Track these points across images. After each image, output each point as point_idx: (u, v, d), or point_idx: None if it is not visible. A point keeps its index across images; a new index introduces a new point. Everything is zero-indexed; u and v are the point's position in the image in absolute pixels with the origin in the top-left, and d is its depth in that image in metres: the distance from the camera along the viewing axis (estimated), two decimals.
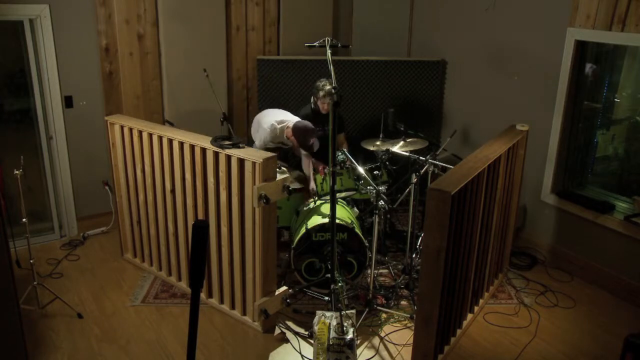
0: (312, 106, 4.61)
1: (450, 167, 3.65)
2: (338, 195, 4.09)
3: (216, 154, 3.44)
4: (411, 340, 3.19)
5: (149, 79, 4.85)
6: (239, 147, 3.35)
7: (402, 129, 4.49)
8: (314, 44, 3.30)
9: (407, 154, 4.15)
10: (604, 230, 4.06)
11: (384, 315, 3.71)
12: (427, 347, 3.00)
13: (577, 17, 4.01)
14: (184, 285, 4.02)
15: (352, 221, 3.94)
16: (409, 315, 3.67)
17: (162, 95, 4.96)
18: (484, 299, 3.87)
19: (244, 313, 3.66)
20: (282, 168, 3.55)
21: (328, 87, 4.32)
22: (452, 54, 5.31)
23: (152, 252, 4.20)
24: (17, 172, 3.41)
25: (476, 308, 3.74)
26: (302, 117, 4.58)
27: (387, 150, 4.20)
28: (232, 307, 3.72)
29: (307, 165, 4.46)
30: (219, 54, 5.13)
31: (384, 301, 3.81)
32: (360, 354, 3.33)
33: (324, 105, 4.43)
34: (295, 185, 4.40)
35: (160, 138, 3.76)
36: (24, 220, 3.53)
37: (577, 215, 4.22)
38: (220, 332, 3.56)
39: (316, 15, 5.50)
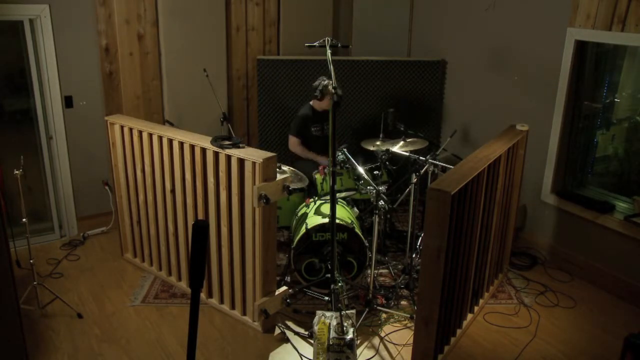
0: (311, 106, 4.64)
1: (450, 167, 3.65)
2: (338, 195, 4.09)
3: (216, 154, 3.44)
4: (411, 340, 3.19)
5: (149, 79, 4.85)
6: (239, 147, 3.35)
7: (402, 129, 4.49)
8: (314, 44, 3.30)
9: (407, 154, 4.15)
10: (604, 230, 4.06)
11: (384, 315, 3.71)
12: (427, 347, 3.00)
13: (577, 17, 4.01)
14: (184, 285, 4.02)
15: (352, 221, 3.94)
16: (409, 315, 3.67)
17: (162, 95, 4.96)
18: (484, 299, 3.87)
19: (244, 313, 3.66)
20: (282, 168, 3.55)
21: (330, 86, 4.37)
22: (452, 54, 5.31)
23: (152, 252, 4.20)
24: (17, 172, 3.41)
25: (476, 308, 3.73)
26: (302, 117, 4.61)
27: (387, 150, 4.20)
28: (232, 307, 3.72)
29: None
30: (219, 54, 5.13)
31: (384, 301, 3.81)
32: (360, 354, 3.33)
33: (327, 102, 4.46)
34: (296, 185, 4.40)
35: (160, 138, 3.76)
36: (24, 220, 3.53)
37: (577, 215, 4.22)
38: (220, 332, 3.56)
39: (316, 15, 5.50)
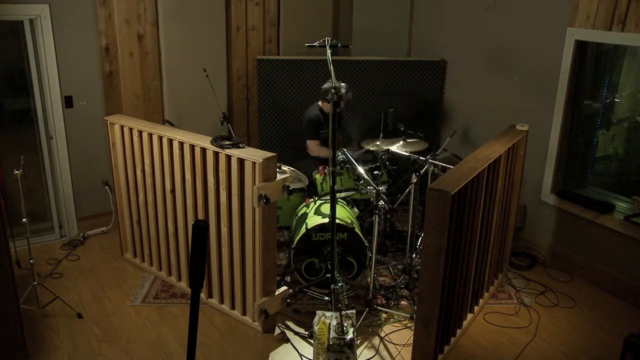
0: (320, 106, 4.61)
1: (450, 167, 3.65)
2: (338, 195, 4.09)
3: (216, 154, 3.44)
4: (411, 340, 3.19)
5: (149, 79, 4.85)
6: (238, 147, 3.35)
7: (402, 129, 4.49)
8: (314, 44, 3.30)
9: (407, 154, 4.15)
10: (604, 230, 4.06)
11: (384, 315, 3.71)
12: (427, 347, 3.00)
13: (577, 17, 4.01)
14: (184, 285, 4.02)
15: (352, 221, 3.94)
16: (409, 315, 3.67)
17: (162, 95, 4.96)
18: (484, 299, 3.87)
19: (244, 313, 3.66)
20: (282, 168, 3.55)
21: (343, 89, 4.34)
22: (452, 54, 5.31)
23: (152, 252, 4.20)
24: (17, 172, 3.41)
25: (476, 308, 3.73)
26: (316, 120, 4.56)
27: (387, 150, 4.20)
28: (232, 307, 3.72)
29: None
30: (219, 54, 5.13)
31: (384, 301, 3.81)
32: (360, 354, 3.33)
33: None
34: (296, 185, 4.40)
35: (160, 138, 3.76)
36: (24, 220, 3.53)
37: (577, 215, 4.22)
38: (220, 332, 3.56)
39: (316, 15, 5.50)
